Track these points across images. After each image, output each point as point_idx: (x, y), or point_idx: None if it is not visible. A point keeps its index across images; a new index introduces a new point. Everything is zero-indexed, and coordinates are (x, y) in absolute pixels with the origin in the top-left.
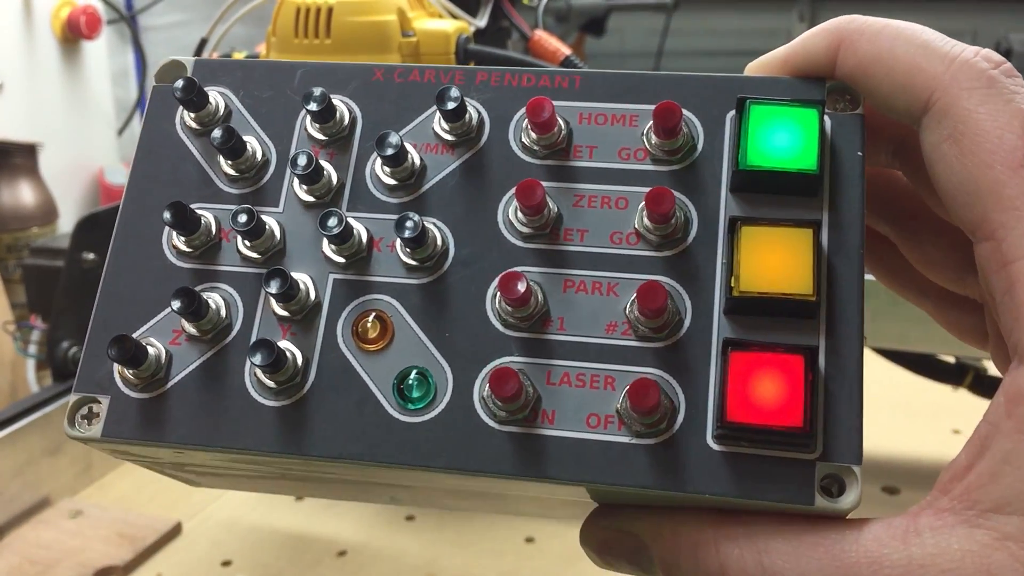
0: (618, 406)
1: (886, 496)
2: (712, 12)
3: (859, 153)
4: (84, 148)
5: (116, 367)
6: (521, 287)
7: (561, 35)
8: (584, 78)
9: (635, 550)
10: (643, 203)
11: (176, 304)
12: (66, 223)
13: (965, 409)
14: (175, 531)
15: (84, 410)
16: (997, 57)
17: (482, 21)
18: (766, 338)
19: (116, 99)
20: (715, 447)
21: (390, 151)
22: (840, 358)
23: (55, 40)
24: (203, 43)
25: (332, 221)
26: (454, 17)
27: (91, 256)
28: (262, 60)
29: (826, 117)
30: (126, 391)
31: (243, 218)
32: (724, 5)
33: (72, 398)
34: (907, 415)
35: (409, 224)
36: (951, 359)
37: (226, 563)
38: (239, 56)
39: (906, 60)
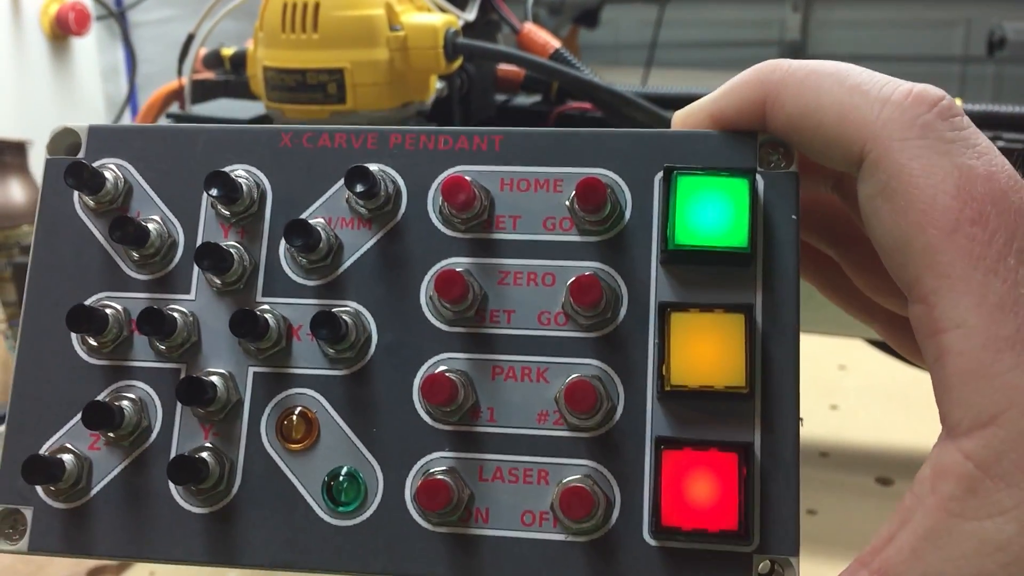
0: (552, 502)
1: (880, 487)
2: (705, 3)
3: (793, 216)
4: None
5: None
6: (443, 395)
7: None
8: (504, 138)
9: None
10: (568, 286)
11: (87, 422)
12: None
13: None
14: None
15: (9, 521)
16: (933, 95)
17: (471, 15)
18: (700, 432)
19: (106, 95)
20: (651, 543)
21: (299, 244)
22: (776, 447)
23: (44, 37)
24: (190, 39)
25: (244, 328)
26: (442, 11)
27: None
28: (161, 127)
29: (758, 177)
30: (49, 501)
31: (148, 327)
32: None
33: None
34: (902, 406)
35: (324, 329)
36: None
37: None
38: (228, 52)
39: (834, 111)
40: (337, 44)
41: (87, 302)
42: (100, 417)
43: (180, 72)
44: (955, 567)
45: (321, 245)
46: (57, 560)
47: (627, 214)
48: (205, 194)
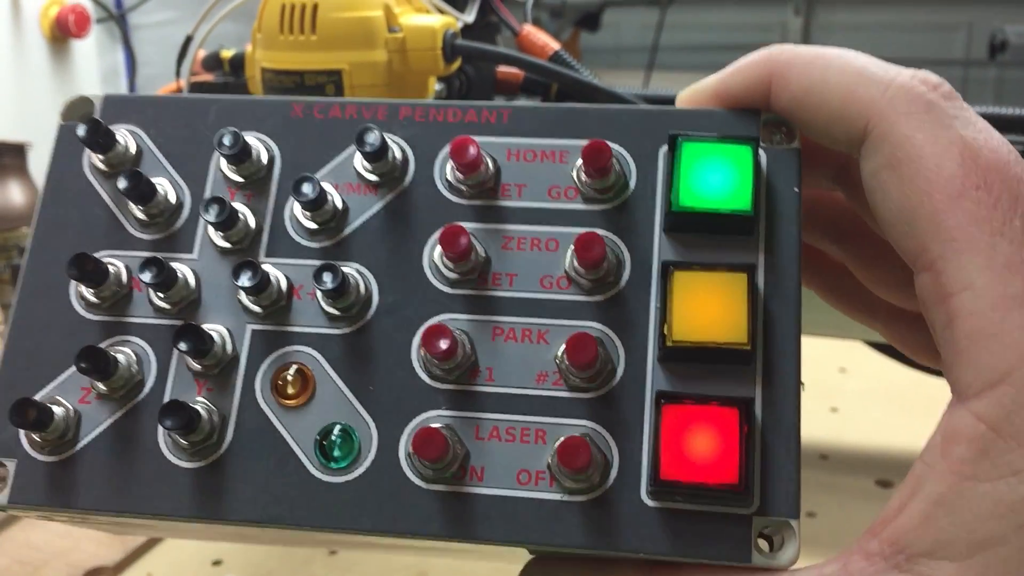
0: (549, 462)
1: (880, 489)
2: (707, 6)
3: (795, 190)
4: None
5: (22, 435)
6: (444, 344)
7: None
8: (513, 112)
9: None
10: (572, 247)
11: (80, 365)
12: None
13: None
14: None
15: None
16: (935, 79)
17: (470, 16)
18: (701, 388)
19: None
20: (649, 503)
21: (308, 196)
22: (777, 407)
23: (44, 39)
24: (188, 41)
25: (246, 276)
26: (441, 13)
27: None
28: (174, 96)
29: (761, 152)
30: (33, 454)
31: (150, 274)
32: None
33: None
34: (902, 408)
35: (327, 276)
36: None
37: (216, 563)
38: (227, 54)
39: (840, 89)
40: (335, 46)
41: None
42: (94, 361)
43: (179, 74)
44: (968, 531)
45: (327, 205)
46: (52, 562)
47: (631, 184)
48: (214, 157)
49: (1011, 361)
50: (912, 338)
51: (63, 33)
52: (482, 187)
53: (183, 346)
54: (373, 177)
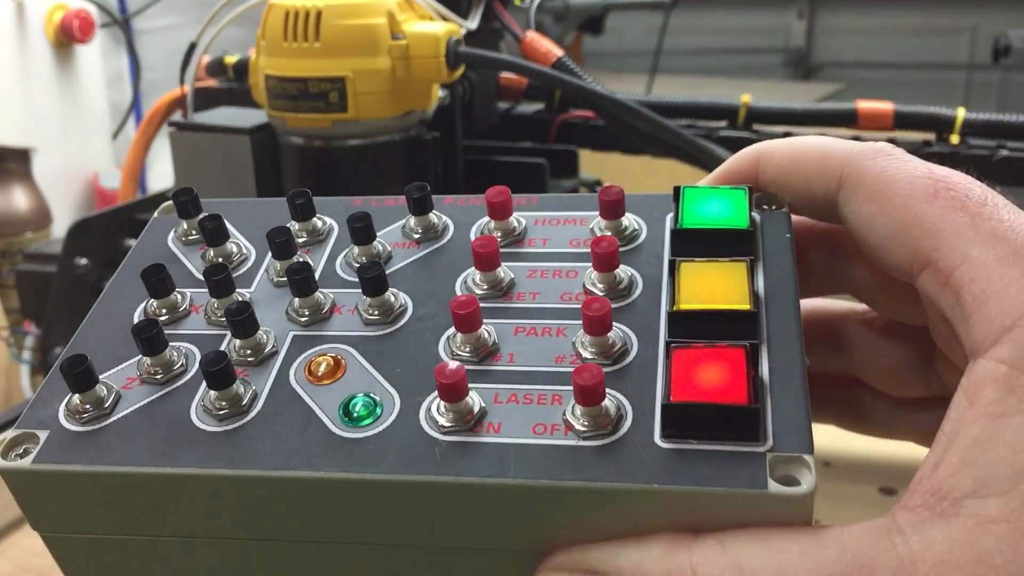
0: (565, 413)
1: (884, 497)
2: (711, 10)
3: (787, 235)
4: (78, 153)
5: (62, 406)
6: (470, 310)
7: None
8: (540, 199)
9: None
10: (591, 266)
11: (135, 330)
12: (60, 228)
13: None
14: None
15: (20, 443)
16: (890, 145)
17: (473, 23)
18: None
19: (110, 103)
20: (663, 444)
21: (358, 225)
22: (782, 357)
23: (48, 44)
24: (192, 47)
25: (299, 276)
26: (444, 19)
27: (84, 261)
28: (255, 201)
29: (754, 214)
30: (67, 425)
31: (236, 313)
32: (723, 3)
33: (10, 434)
34: None
35: (369, 273)
36: None
37: None
38: (231, 60)
39: (815, 152)
40: (339, 53)
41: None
42: (147, 327)
43: (182, 80)
44: (1008, 464)
45: (375, 245)
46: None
47: (643, 235)
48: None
49: (1019, 307)
50: (863, 418)
51: (67, 38)
52: (511, 235)
53: (236, 331)
54: (417, 236)
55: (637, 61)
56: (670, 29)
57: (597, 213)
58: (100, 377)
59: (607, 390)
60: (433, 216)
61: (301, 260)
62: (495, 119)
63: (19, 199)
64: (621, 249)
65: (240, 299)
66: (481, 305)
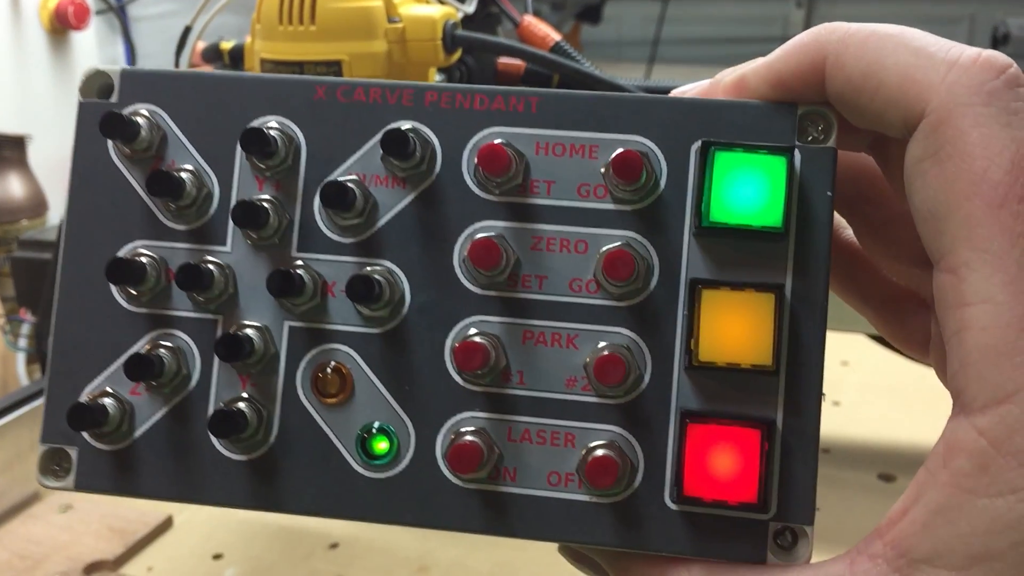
0: (578, 465)
1: (882, 483)
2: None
3: (828, 194)
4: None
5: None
6: (475, 362)
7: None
8: (541, 100)
9: (602, 570)
10: (600, 257)
11: (127, 371)
12: (55, 215)
13: None
14: (166, 524)
15: (55, 459)
16: (1002, 61)
17: (470, 7)
18: (725, 406)
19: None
20: (672, 507)
21: (336, 202)
22: (798, 423)
23: (43, 31)
24: (187, 31)
25: (281, 288)
26: (441, 2)
27: None
28: (194, 72)
29: (795, 151)
30: (92, 443)
31: (187, 281)
32: None
33: (41, 449)
34: (903, 402)
35: (361, 291)
36: None
37: (217, 556)
38: (227, 45)
39: (897, 71)
40: (335, 36)
41: (124, 249)
42: (141, 369)
43: (177, 66)
44: (965, 543)
45: (356, 204)
46: (53, 556)
47: (662, 183)
48: (239, 146)
49: (1018, 382)
50: (902, 330)
51: (62, 25)
52: (511, 184)
53: (226, 357)
54: (401, 173)
55: (635, 50)
56: (668, 18)
57: (608, 137)
58: (102, 388)
59: (620, 433)
60: (417, 153)
61: (280, 271)
62: None
63: (15, 186)
64: (636, 207)
65: (220, 290)
66: (484, 293)
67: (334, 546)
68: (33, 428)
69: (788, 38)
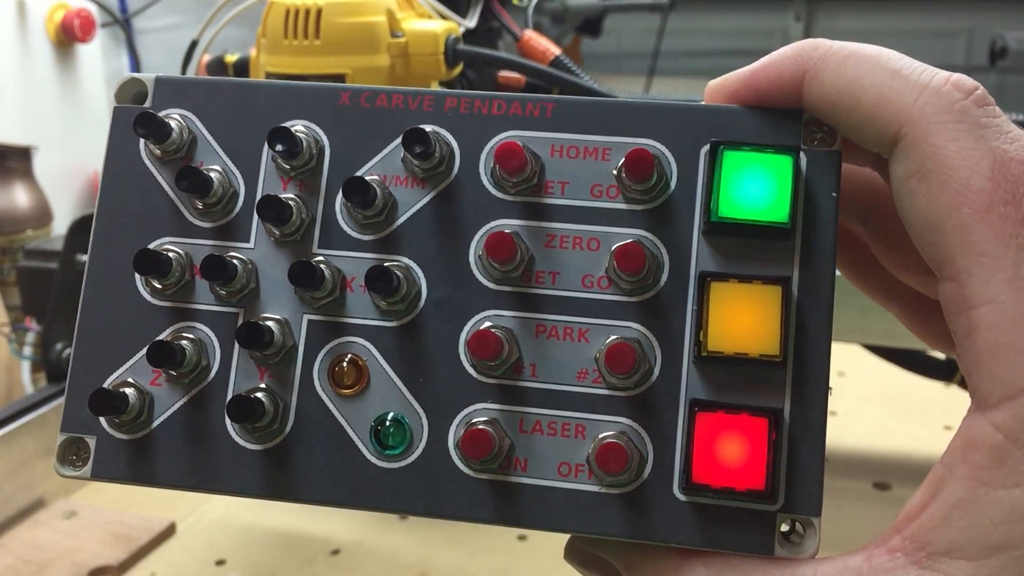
0: (588, 456)
1: (877, 492)
2: (708, 12)
3: (833, 194)
4: (78, 151)
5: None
6: (489, 350)
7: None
8: (556, 106)
9: (612, 572)
10: (612, 252)
11: (149, 358)
12: (60, 225)
13: (956, 405)
14: (169, 531)
15: (73, 449)
16: (969, 84)
17: (472, 22)
18: (733, 396)
19: (110, 102)
20: (681, 498)
21: (356, 199)
22: (805, 413)
23: (49, 43)
24: (193, 45)
25: (302, 278)
26: (443, 18)
27: (85, 258)
28: (225, 80)
29: (801, 154)
30: (111, 432)
31: (211, 271)
32: (720, 5)
33: (60, 438)
34: (898, 411)
35: (379, 284)
36: (941, 356)
37: (220, 562)
38: (231, 59)
39: (873, 91)
40: (339, 50)
41: (151, 246)
42: (163, 355)
43: None
44: (984, 534)
45: (377, 201)
46: (57, 561)
47: (672, 184)
48: (266, 148)
49: None
50: (929, 325)
51: (68, 37)
52: (526, 184)
53: (246, 343)
54: (420, 171)
55: (635, 63)
56: (668, 31)
57: (620, 140)
58: (123, 378)
59: (629, 425)
60: (437, 153)
61: (302, 262)
62: None
63: (20, 197)
64: (646, 207)
65: (242, 284)
66: (499, 288)
67: (336, 552)
68: (38, 435)
69: None
